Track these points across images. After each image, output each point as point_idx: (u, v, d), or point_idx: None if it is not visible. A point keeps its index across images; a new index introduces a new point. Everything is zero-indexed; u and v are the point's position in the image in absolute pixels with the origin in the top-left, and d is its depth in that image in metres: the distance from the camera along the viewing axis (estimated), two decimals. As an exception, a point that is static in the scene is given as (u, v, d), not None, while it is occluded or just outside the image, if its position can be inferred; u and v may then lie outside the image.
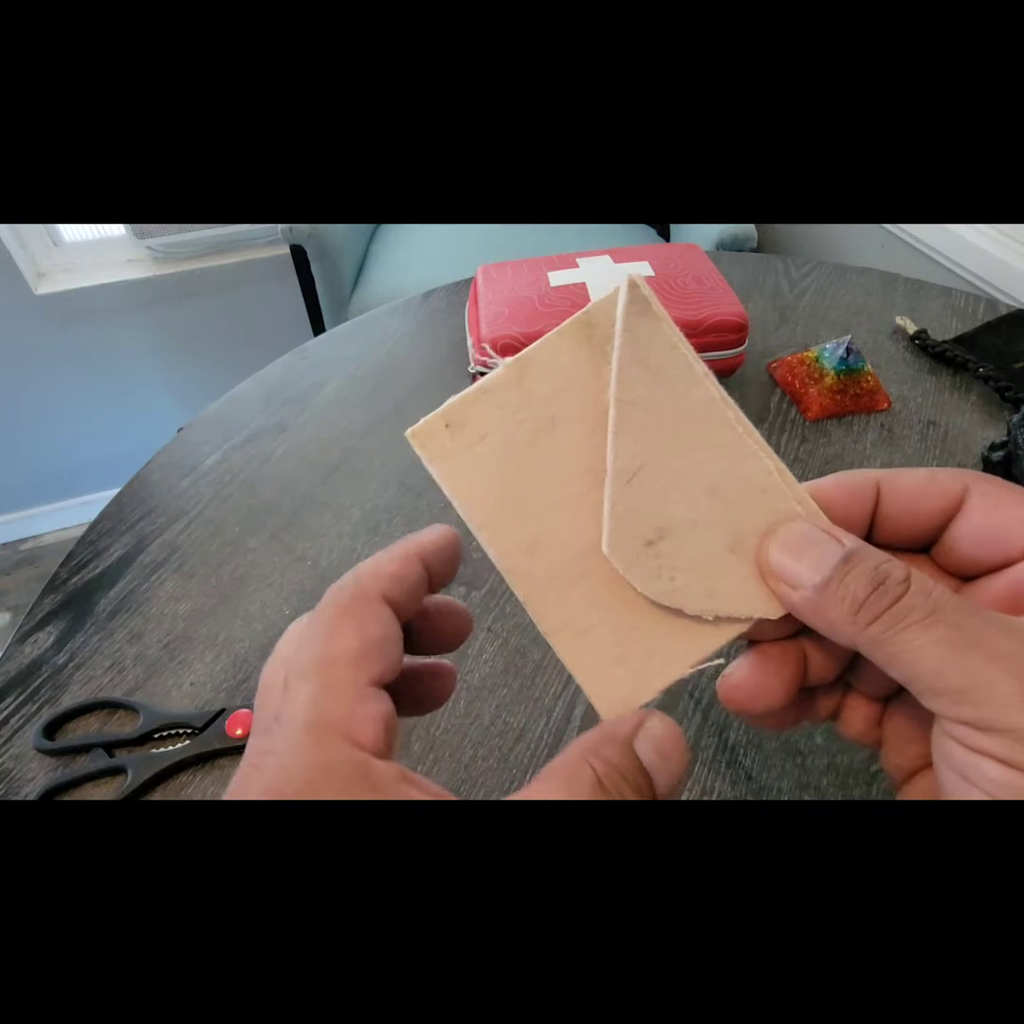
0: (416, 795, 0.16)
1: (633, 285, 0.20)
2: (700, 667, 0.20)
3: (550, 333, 0.21)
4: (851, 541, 0.19)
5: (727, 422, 0.20)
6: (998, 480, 0.20)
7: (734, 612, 0.20)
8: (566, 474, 0.20)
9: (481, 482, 0.20)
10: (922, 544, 0.22)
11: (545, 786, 0.17)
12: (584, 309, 0.21)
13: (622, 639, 0.20)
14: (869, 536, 0.21)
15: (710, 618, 0.20)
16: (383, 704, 0.17)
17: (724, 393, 0.20)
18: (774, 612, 0.20)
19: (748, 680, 0.21)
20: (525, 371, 0.20)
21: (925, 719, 0.19)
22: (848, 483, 0.21)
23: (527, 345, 0.20)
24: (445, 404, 0.20)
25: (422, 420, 0.20)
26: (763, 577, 0.20)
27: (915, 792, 0.21)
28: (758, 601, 0.20)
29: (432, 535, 0.21)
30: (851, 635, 0.18)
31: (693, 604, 0.20)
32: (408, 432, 0.20)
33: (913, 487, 0.21)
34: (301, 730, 0.16)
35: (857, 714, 0.23)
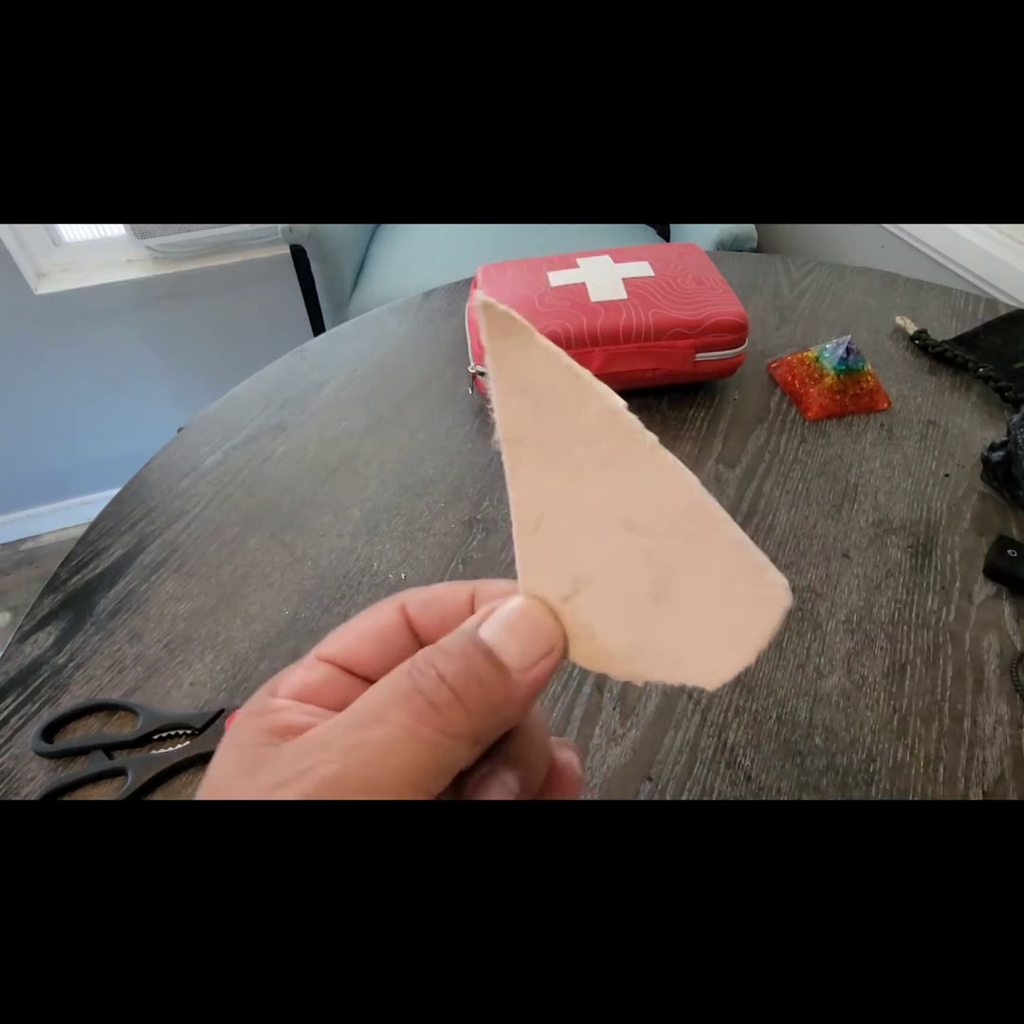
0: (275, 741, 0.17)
1: (487, 306, 0.16)
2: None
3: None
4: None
5: (632, 436, 0.17)
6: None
7: (660, 677, 0.17)
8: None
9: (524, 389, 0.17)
10: None
11: (368, 697, 0.17)
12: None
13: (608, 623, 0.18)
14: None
15: (640, 684, 0.17)
16: (312, 672, 0.19)
17: (621, 402, 0.17)
18: (709, 681, 0.17)
19: None
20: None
21: None
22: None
23: None
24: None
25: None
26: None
27: None
28: (689, 665, 0.17)
29: (504, 609, 0.18)
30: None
31: (618, 668, 0.17)
32: (488, 301, 0.17)
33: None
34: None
35: None
